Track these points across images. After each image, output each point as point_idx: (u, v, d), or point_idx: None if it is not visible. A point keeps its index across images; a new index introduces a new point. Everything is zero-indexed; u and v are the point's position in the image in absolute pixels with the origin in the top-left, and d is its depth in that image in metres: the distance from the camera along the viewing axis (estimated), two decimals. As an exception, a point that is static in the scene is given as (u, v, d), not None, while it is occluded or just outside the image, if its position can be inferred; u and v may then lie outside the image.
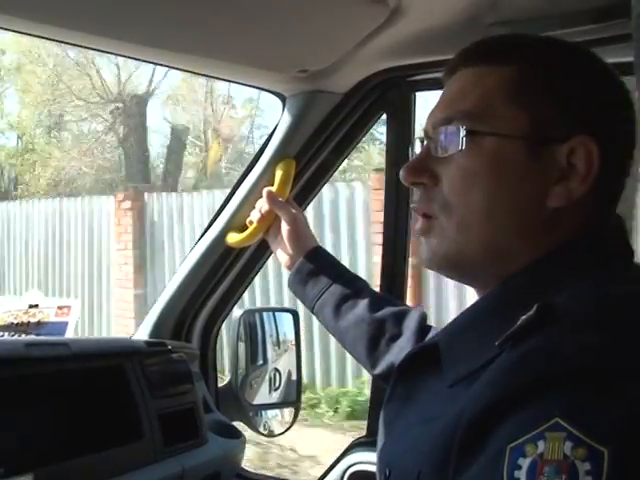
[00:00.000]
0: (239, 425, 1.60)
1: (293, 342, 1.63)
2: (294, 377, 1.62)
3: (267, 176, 1.42)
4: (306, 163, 1.45)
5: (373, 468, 0.87)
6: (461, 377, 0.73)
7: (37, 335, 1.65)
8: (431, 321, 1.26)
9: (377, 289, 1.40)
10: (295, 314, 1.63)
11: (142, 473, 1.30)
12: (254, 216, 1.40)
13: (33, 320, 1.67)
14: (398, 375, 0.86)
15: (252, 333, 1.62)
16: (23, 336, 1.63)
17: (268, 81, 1.40)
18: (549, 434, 0.56)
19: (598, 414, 0.56)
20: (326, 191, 6.57)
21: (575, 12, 1.04)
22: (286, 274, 1.35)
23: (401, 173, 0.83)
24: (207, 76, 1.44)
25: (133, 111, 13.71)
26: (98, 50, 1.25)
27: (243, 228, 1.44)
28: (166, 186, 12.89)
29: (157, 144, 15.61)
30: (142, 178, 13.40)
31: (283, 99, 1.43)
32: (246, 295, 1.39)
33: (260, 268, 1.59)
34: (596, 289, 0.70)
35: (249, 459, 2.34)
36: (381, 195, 1.51)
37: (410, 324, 1.20)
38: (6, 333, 1.63)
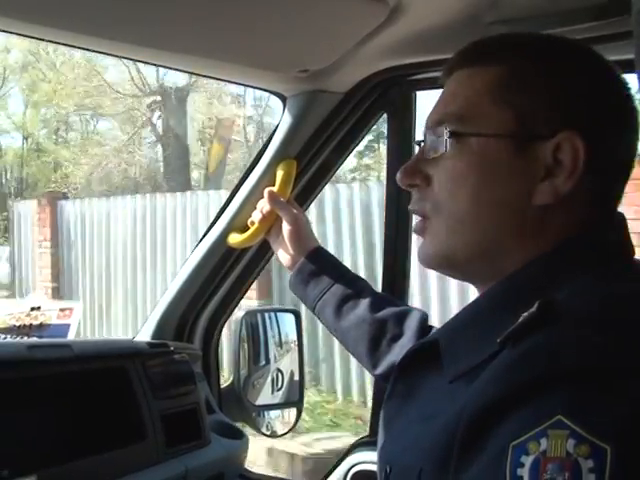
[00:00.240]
0: (242, 426, 1.61)
1: (295, 342, 1.63)
2: (296, 377, 1.62)
3: (268, 176, 1.42)
4: (307, 163, 1.45)
5: (376, 467, 0.87)
6: (461, 373, 0.73)
7: (39, 337, 1.65)
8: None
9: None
10: (297, 314, 1.63)
11: (145, 474, 1.30)
12: (255, 217, 1.40)
13: (35, 322, 1.67)
14: (398, 372, 0.86)
15: (254, 333, 1.62)
16: (25, 338, 1.63)
17: (268, 81, 1.40)
18: (552, 432, 0.56)
19: (601, 412, 0.57)
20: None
21: (575, 10, 1.04)
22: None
23: (397, 176, 0.85)
24: (207, 77, 1.44)
25: (173, 105, 13.18)
26: (97, 52, 1.25)
27: (244, 229, 1.44)
28: (209, 184, 12.56)
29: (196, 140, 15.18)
30: (183, 176, 12.99)
31: (284, 99, 1.43)
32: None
33: (262, 269, 1.59)
34: (599, 287, 0.70)
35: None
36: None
37: (411, 324, 1.20)
38: (8, 335, 1.63)
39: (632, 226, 0.81)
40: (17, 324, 1.65)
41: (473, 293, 0.85)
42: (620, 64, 0.81)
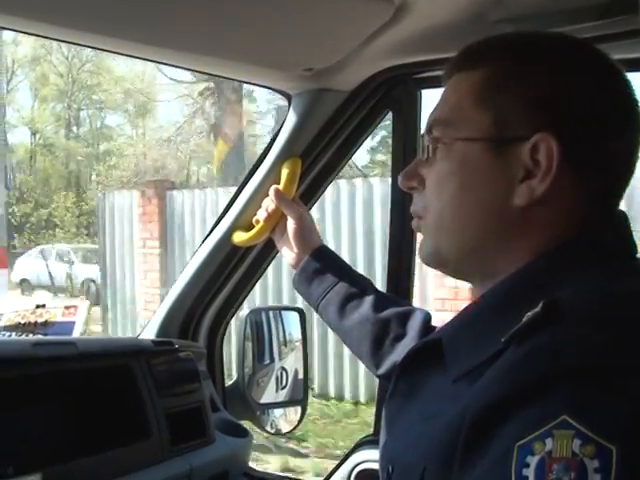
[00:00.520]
0: (246, 424, 1.61)
1: (300, 341, 1.63)
2: (301, 376, 1.62)
3: (273, 175, 1.42)
4: (312, 161, 1.45)
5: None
6: (464, 372, 0.73)
7: (44, 335, 1.66)
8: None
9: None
10: (302, 313, 1.63)
11: (150, 472, 1.30)
12: (260, 215, 1.40)
13: (40, 320, 1.68)
14: (400, 371, 0.87)
15: (259, 332, 1.62)
16: (30, 336, 1.63)
17: (273, 80, 1.40)
18: (557, 432, 0.56)
19: (605, 411, 0.57)
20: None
21: (581, 8, 1.03)
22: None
23: (398, 179, 0.90)
24: (213, 75, 1.44)
25: (227, 92, 12.68)
26: (102, 49, 1.25)
27: (249, 227, 1.44)
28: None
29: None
30: (238, 167, 12.44)
31: (289, 98, 1.43)
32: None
33: (267, 267, 1.59)
34: (599, 286, 0.70)
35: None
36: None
37: (414, 324, 1.20)
38: (13, 333, 1.63)
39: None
40: (22, 322, 1.65)
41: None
42: (626, 63, 0.81)
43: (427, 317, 1.21)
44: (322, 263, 1.29)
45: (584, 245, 0.76)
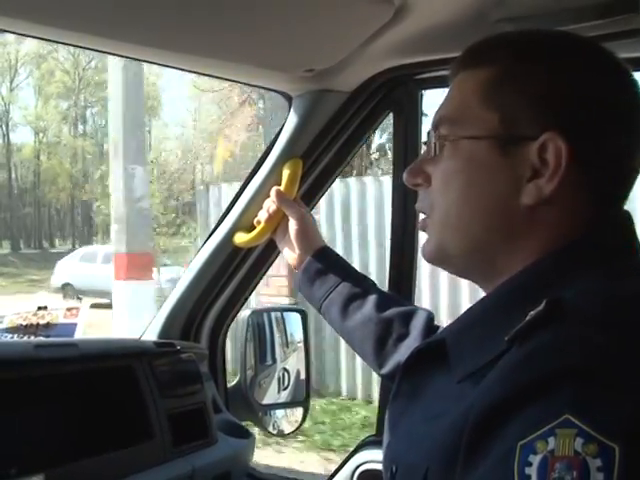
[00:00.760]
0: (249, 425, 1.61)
1: (301, 341, 1.63)
2: (303, 376, 1.62)
3: (274, 176, 1.42)
4: (313, 162, 1.45)
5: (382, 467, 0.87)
6: (469, 373, 0.73)
7: (46, 337, 1.66)
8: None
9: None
10: (303, 313, 1.63)
11: (152, 473, 1.30)
12: (262, 216, 1.40)
13: (42, 322, 1.68)
14: (404, 372, 0.87)
15: (260, 333, 1.62)
16: (32, 338, 1.64)
17: (274, 81, 1.40)
18: (560, 430, 0.56)
19: (608, 411, 0.57)
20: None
21: (582, 7, 1.03)
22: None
23: (403, 175, 0.89)
24: (213, 77, 1.44)
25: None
26: (102, 52, 1.25)
27: (251, 228, 1.44)
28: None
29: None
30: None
31: (289, 99, 1.43)
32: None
33: (268, 268, 1.59)
34: (603, 287, 0.70)
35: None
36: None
37: (417, 324, 1.19)
38: (15, 335, 1.63)
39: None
40: (24, 323, 1.65)
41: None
42: (628, 62, 0.81)
43: (430, 317, 1.21)
44: (324, 264, 1.29)
45: (588, 245, 0.76)
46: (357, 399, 6.60)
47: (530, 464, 0.56)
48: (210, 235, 1.55)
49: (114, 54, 1.25)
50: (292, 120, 1.42)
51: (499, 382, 0.64)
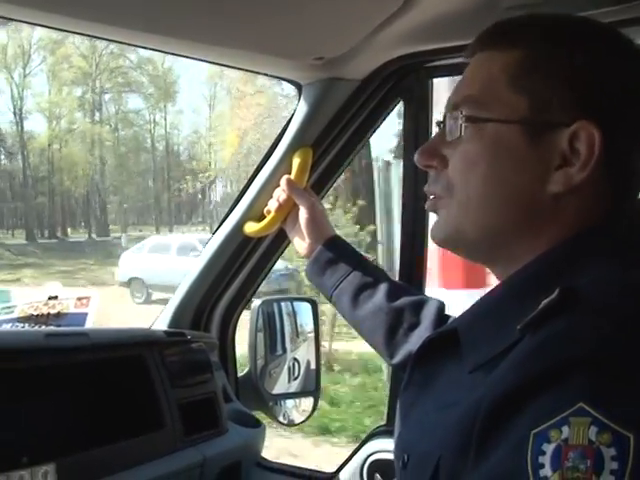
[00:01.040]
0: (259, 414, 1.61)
1: (312, 331, 1.63)
2: (313, 366, 1.62)
3: (284, 165, 1.42)
4: (323, 151, 1.45)
5: (392, 456, 0.86)
6: (482, 362, 0.73)
7: (57, 326, 1.66)
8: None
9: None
10: (314, 303, 1.63)
11: (163, 462, 1.30)
12: (272, 205, 1.39)
13: (53, 311, 1.68)
14: (415, 361, 0.86)
15: (270, 323, 1.62)
16: (43, 327, 1.64)
17: (284, 69, 1.40)
18: (574, 419, 0.56)
19: (622, 400, 0.56)
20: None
21: None
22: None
23: (415, 156, 0.86)
24: (222, 65, 1.44)
25: None
26: (112, 40, 1.24)
27: (261, 217, 1.44)
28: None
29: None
30: None
31: (299, 87, 1.43)
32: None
33: (278, 257, 1.59)
34: (617, 276, 0.70)
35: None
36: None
37: (428, 313, 1.19)
38: (26, 324, 1.64)
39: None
40: (35, 313, 1.66)
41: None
42: None
43: (441, 306, 1.20)
44: (335, 253, 1.28)
45: (605, 234, 0.75)
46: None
47: (544, 453, 0.56)
48: (220, 225, 1.55)
49: (124, 43, 1.25)
50: (302, 109, 1.42)
51: (512, 371, 0.63)
